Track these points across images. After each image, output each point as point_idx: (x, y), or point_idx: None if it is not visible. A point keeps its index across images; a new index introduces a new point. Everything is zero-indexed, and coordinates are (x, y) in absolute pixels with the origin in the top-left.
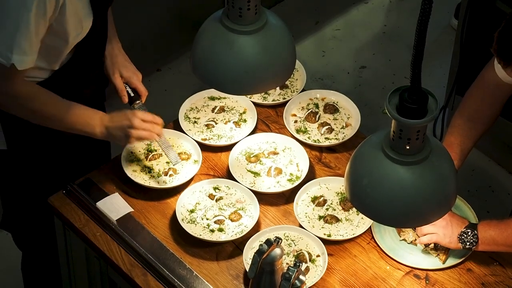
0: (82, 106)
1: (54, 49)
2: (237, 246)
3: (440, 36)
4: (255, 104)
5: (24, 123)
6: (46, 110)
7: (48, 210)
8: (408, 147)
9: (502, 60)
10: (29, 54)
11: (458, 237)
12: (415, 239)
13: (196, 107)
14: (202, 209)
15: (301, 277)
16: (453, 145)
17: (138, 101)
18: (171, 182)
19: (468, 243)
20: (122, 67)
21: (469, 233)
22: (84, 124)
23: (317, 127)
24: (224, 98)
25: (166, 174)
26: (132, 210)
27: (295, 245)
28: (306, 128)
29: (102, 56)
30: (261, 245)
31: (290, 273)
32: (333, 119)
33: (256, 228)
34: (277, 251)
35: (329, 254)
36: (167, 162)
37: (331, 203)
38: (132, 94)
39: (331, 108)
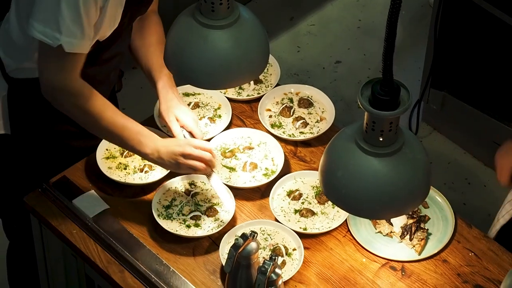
0: (138, 124)
1: None
2: (214, 241)
3: (414, 30)
4: (229, 99)
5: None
6: (102, 116)
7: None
8: (381, 139)
9: None
10: (79, 38)
11: None
12: (391, 231)
13: None
14: (178, 205)
15: (277, 270)
16: None
17: None
18: (147, 178)
19: None
20: (177, 110)
21: None
22: (136, 141)
23: (292, 122)
24: (199, 94)
25: (141, 170)
26: (108, 207)
27: (271, 239)
28: (281, 123)
29: (120, 60)
30: (236, 239)
31: (266, 266)
32: (308, 113)
33: (232, 223)
34: (253, 245)
35: (305, 248)
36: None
37: (307, 197)
38: (188, 138)
39: (306, 103)
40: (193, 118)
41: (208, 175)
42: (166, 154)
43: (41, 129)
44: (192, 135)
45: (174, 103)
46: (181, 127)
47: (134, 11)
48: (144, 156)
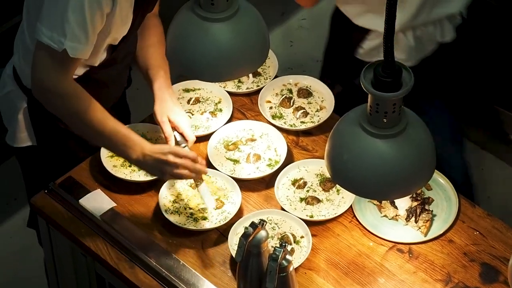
0: (127, 128)
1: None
2: (222, 233)
3: None
4: (229, 93)
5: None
6: (91, 119)
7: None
8: (385, 120)
9: None
10: (83, 43)
11: None
12: (396, 215)
13: None
14: (184, 199)
15: (287, 257)
16: None
17: (183, 145)
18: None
19: None
20: (171, 112)
21: None
22: (124, 146)
23: (292, 112)
24: (199, 89)
25: None
26: (115, 204)
27: (279, 228)
28: (282, 114)
29: (132, 58)
30: (246, 228)
31: (277, 253)
32: (307, 103)
33: (239, 214)
34: (263, 233)
35: (313, 235)
36: None
37: (311, 185)
38: (178, 139)
39: (305, 92)
40: (186, 120)
41: (197, 183)
42: (151, 161)
43: (64, 138)
44: (184, 137)
45: (169, 104)
46: (173, 128)
47: (144, 10)
48: (130, 161)
